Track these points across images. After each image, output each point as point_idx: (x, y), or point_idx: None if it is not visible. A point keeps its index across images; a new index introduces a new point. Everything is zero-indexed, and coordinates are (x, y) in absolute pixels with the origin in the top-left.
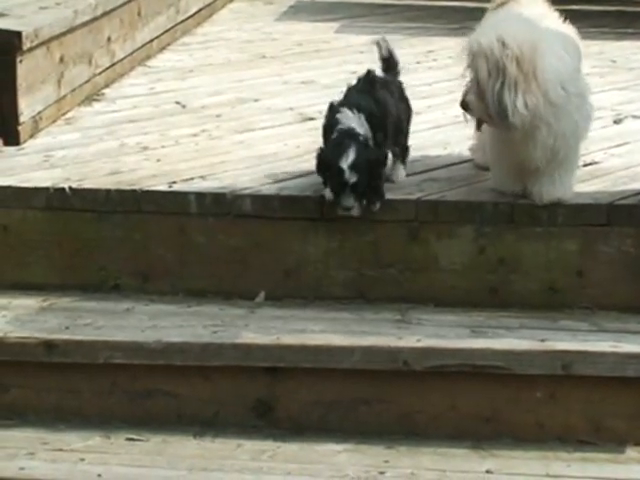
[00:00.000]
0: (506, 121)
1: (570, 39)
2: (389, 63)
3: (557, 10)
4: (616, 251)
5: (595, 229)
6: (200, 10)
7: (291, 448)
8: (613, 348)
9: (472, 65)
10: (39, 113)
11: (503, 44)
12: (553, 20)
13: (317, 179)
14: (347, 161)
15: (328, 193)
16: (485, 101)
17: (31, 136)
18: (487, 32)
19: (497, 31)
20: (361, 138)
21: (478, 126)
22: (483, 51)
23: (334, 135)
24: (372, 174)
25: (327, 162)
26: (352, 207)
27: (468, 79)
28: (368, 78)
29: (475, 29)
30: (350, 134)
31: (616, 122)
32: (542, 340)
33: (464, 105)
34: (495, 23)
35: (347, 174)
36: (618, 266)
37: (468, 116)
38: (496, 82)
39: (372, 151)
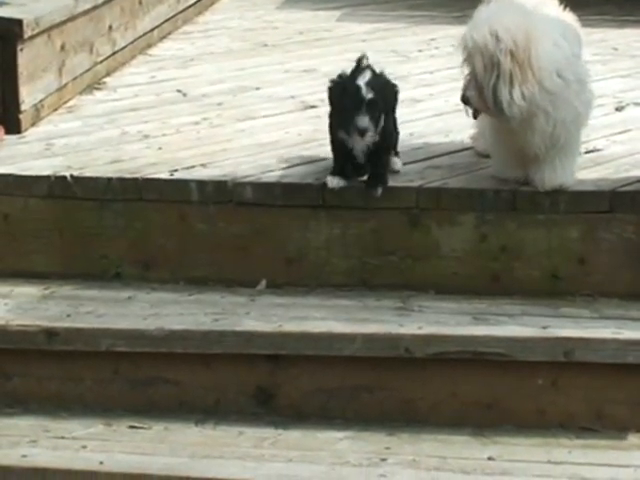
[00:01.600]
0: (503, 114)
1: (569, 26)
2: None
3: None
4: (618, 238)
5: (597, 216)
6: None
7: (292, 435)
8: (615, 335)
9: (469, 61)
10: (40, 101)
11: (497, 38)
12: (552, 7)
13: (318, 167)
14: (364, 79)
15: (330, 180)
16: (483, 95)
17: (32, 124)
18: (480, 26)
19: (490, 24)
20: (377, 70)
21: (475, 115)
22: (478, 47)
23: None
24: (387, 102)
25: (343, 84)
26: (367, 128)
27: (466, 73)
28: (368, 64)
29: (470, 20)
30: (367, 66)
31: (618, 109)
32: (544, 327)
33: (465, 100)
34: (488, 15)
35: (364, 90)
36: (620, 253)
37: (468, 109)
38: (492, 77)
39: (387, 80)
